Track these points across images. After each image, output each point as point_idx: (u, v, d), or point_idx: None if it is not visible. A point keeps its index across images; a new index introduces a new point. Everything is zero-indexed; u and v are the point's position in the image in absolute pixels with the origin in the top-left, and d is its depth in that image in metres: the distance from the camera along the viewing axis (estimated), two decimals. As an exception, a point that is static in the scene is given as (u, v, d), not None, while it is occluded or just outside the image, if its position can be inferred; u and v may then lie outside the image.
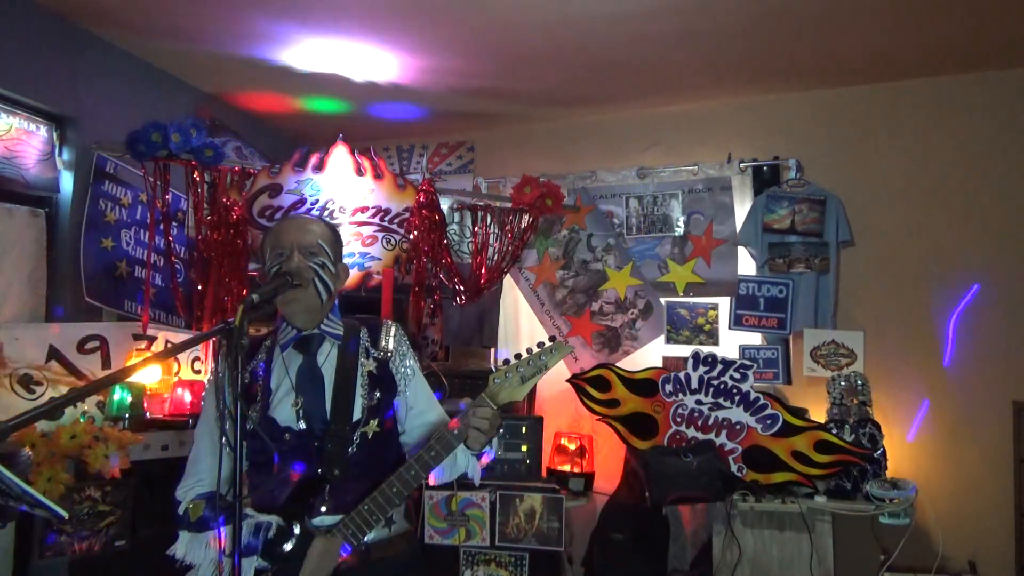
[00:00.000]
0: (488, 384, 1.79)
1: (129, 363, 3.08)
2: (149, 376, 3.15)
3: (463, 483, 1.98)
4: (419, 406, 1.95)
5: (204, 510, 1.71)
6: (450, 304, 3.90)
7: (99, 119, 3.55)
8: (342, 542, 1.71)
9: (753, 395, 3.38)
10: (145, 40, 3.72)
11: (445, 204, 3.79)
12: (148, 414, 3.03)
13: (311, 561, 1.67)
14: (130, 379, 2.93)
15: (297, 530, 1.68)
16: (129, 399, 2.95)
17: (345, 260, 2.01)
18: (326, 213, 3.40)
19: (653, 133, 4.46)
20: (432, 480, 1.86)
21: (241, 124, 4.56)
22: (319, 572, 1.68)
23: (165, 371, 3.25)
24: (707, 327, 4.07)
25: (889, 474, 3.36)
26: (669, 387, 3.48)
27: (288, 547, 1.67)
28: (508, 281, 4.26)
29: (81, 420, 2.73)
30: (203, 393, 3.07)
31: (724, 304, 4.06)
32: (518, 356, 1.81)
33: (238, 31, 3.57)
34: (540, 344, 1.82)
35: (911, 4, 3.22)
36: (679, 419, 3.45)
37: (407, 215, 3.54)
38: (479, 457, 1.86)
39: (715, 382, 3.43)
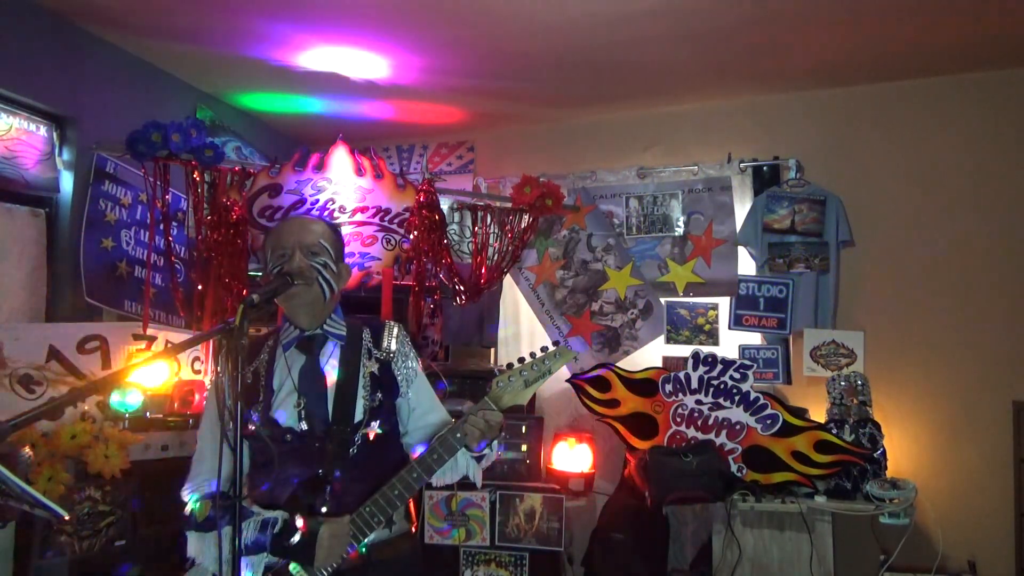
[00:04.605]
0: (491, 388, 1.79)
1: (129, 363, 3.08)
2: (157, 377, 3.15)
3: (464, 483, 1.98)
4: (422, 407, 1.94)
5: (210, 511, 1.72)
6: (450, 304, 3.90)
7: (99, 119, 3.55)
8: (348, 524, 1.71)
9: (753, 395, 3.38)
10: (145, 40, 3.72)
11: (445, 204, 3.78)
12: (148, 414, 3.02)
13: (322, 547, 1.67)
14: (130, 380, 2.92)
15: (300, 522, 1.68)
16: (140, 400, 2.94)
17: (345, 260, 2.01)
18: (326, 213, 3.40)
19: (653, 133, 4.46)
20: (435, 481, 1.86)
21: (241, 124, 4.56)
22: (332, 555, 1.69)
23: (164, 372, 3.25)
24: (707, 327, 4.07)
25: (889, 474, 3.36)
26: (669, 387, 3.48)
27: (295, 540, 1.66)
28: (508, 281, 4.26)
29: (81, 420, 2.73)
30: (205, 393, 3.08)
31: (724, 304, 4.06)
32: (521, 360, 1.81)
33: (238, 31, 3.57)
34: (544, 348, 1.82)
35: (911, 4, 3.22)
36: (679, 419, 3.45)
37: (407, 215, 3.54)
38: (480, 460, 1.86)
39: (715, 382, 3.43)
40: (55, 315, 3.36)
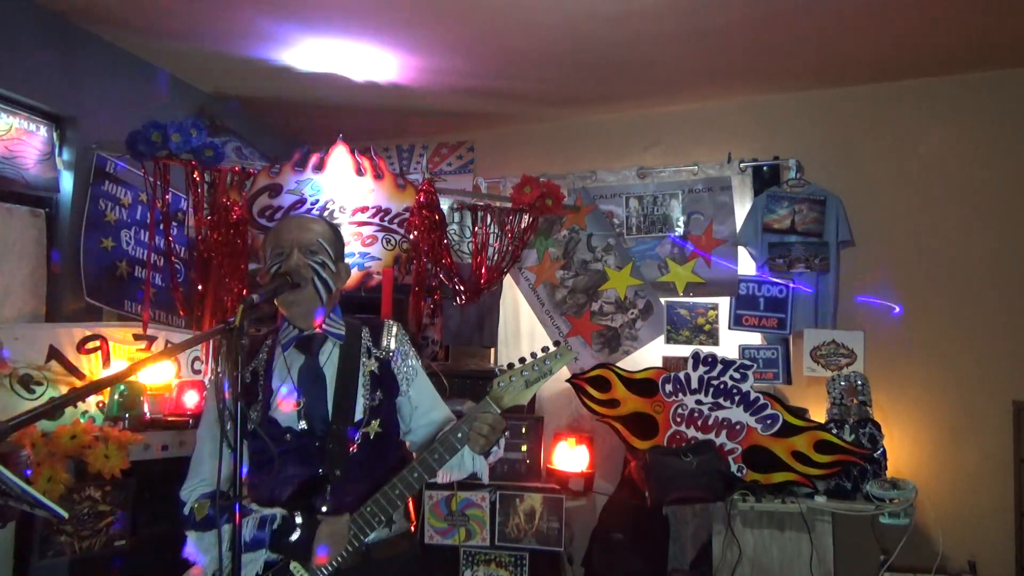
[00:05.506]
0: (492, 388, 1.79)
1: (129, 363, 3.08)
2: (157, 377, 3.15)
3: (464, 483, 1.98)
4: (424, 405, 1.94)
5: (209, 509, 1.72)
6: (450, 304, 3.90)
7: (99, 119, 3.56)
8: (347, 522, 1.71)
9: (753, 395, 3.38)
10: (145, 40, 3.72)
11: (445, 204, 3.78)
12: (148, 414, 3.03)
13: (320, 544, 1.67)
14: (130, 379, 2.92)
15: (300, 519, 1.68)
16: (125, 397, 2.94)
17: (345, 260, 2.01)
18: (326, 213, 3.40)
19: (653, 133, 4.46)
20: (441, 478, 1.86)
21: (241, 124, 4.56)
22: (331, 553, 1.68)
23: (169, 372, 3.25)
24: (707, 327, 4.07)
25: (889, 474, 3.36)
26: (669, 387, 3.48)
27: (294, 537, 1.66)
28: (508, 281, 4.26)
29: (81, 420, 2.73)
30: (204, 393, 3.08)
31: (724, 304, 4.06)
32: (522, 360, 1.80)
33: (238, 31, 3.57)
34: (545, 349, 1.82)
35: (911, 4, 3.22)
36: (679, 419, 3.45)
37: (407, 215, 3.54)
38: (487, 456, 1.86)
39: (715, 382, 3.43)
40: (55, 315, 3.36)
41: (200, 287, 3.29)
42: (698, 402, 3.44)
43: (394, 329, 1.94)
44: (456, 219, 4.12)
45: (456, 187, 4.33)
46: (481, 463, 1.86)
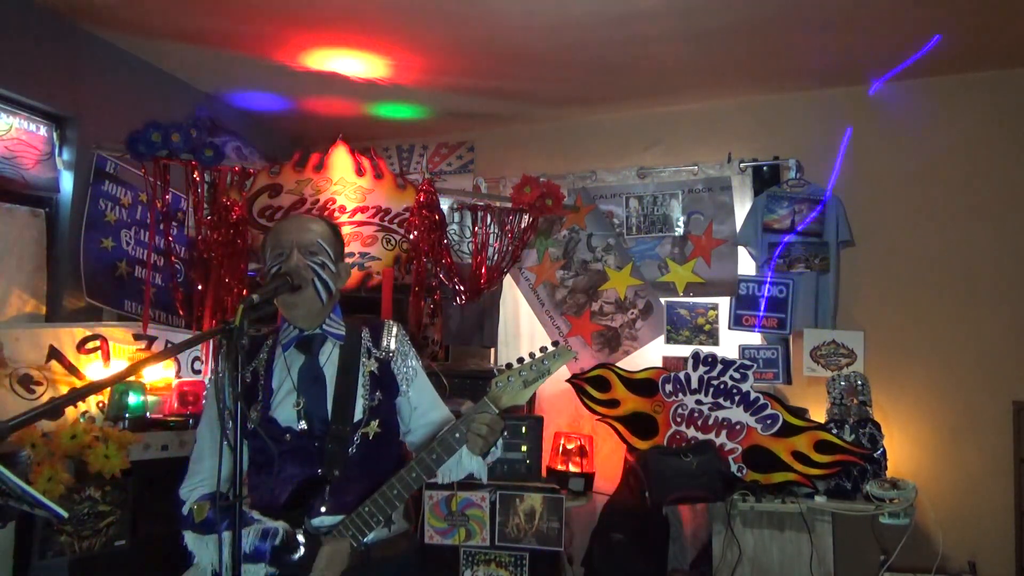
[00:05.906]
0: (490, 388, 1.78)
1: (129, 363, 3.08)
2: (157, 377, 3.15)
3: (464, 483, 1.97)
4: (423, 405, 1.94)
5: (209, 512, 1.71)
6: (450, 304, 3.90)
7: (99, 119, 3.56)
8: (349, 543, 1.71)
9: (753, 395, 3.38)
10: (145, 40, 3.72)
11: (445, 204, 3.79)
12: (148, 414, 3.03)
13: (319, 567, 1.66)
14: (131, 379, 2.93)
15: (302, 538, 1.68)
16: (142, 399, 2.95)
17: (345, 260, 2.01)
18: (326, 213, 3.40)
19: (653, 133, 4.45)
20: (439, 478, 1.85)
21: (241, 124, 4.56)
22: (329, 574, 1.68)
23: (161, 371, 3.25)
24: (707, 327, 4.07)
25: (889, 474, 3.36)
26: (669, 387, 3.48)
27: (296, 556, 1.66)
28: (508, 281, 4.26)
29: (81, 420, 2.73)
30: (204, 393, 3.09)
31: (724, 304, 4.06)
32: (520, 360, 1.80)
33: (238, 31, 3.57)
34: (543, 349, 1.81)
35: (912, 4, 3.22)
36: (679, 419, 3.45)
37: (407, 215, 3.54)
38: (485, 456, 1.86)
39: (715, 382, 3.43)
40: (55, 315, 3.36)
41: (200, 287, 3.29)
42: (698, 402, 3.44)
43: (394, 329, 1.94)
44: (456, 219, 4.12)
45: (456, 187, 4.34)
46: (479, 463, 1.86)
